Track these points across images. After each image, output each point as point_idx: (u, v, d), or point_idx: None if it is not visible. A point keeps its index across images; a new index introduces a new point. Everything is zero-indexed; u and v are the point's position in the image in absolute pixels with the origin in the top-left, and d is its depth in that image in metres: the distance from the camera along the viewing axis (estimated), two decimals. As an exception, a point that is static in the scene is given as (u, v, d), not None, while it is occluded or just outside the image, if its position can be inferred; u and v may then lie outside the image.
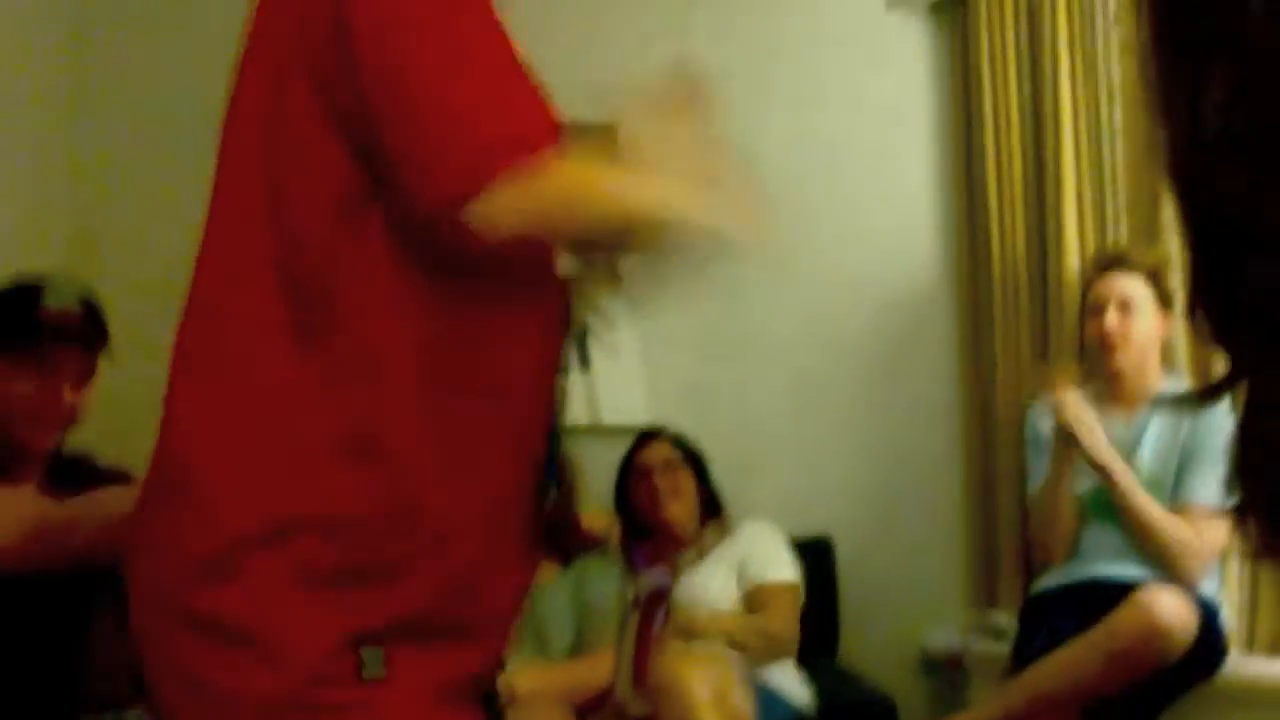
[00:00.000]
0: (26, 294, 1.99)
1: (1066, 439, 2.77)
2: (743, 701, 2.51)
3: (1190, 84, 0.55)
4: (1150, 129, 0.54)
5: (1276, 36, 0.51)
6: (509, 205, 1.08)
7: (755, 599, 2.84)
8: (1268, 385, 0.56)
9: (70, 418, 2.00)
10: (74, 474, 2.05)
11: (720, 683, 2.48)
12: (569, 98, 1.27)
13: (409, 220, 1.12)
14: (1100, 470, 2.73)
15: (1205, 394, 0.59)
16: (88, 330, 2.00)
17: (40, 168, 3.26)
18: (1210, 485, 2.72)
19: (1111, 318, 2.83)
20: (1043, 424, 2.91)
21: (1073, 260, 3.20)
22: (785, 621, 2.82)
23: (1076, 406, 2.77)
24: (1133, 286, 2.85)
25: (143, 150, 3.39)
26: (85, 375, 2.00)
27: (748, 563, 2.88)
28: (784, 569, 2.88)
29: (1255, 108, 0.52)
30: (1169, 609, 2.54)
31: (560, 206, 1.13)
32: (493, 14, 1.17)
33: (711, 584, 2.85)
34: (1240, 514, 0.59)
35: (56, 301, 1.97)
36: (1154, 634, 2.52)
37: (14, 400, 1.94)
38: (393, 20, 1.11)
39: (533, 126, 1.14)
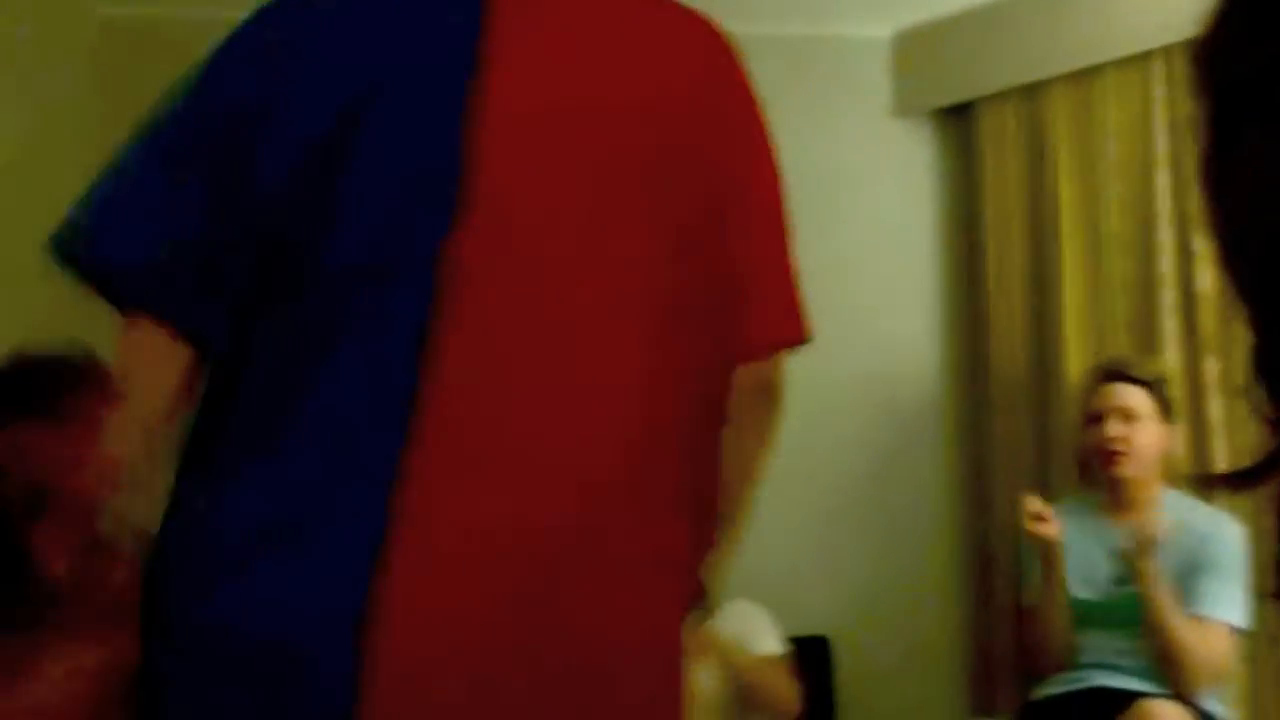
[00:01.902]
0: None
1: (1046, 551, 2.78)
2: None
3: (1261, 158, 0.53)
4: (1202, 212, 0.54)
5: None
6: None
7: (751, 670, 2.81)
8: None
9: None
10: None
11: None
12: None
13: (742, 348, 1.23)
14: (1143, 578, 2.69)
15: (1249, 474, 0.55)
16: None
17: None
18: (1219, 599, 2.72)
19: (1114, 427, 2.85)
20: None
21: (1072, 369, 3.23)
22: (783, 688, 2.79)
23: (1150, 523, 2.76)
24: (1135, 397, 2.87)
25: None
26: None
27: (734, 642, 2.85)
28: (768, 641, 2.85)
29: None
30: None
31: None
32: None
33: (698, 673, 2.82)
34: None
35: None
36: None
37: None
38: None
39: None
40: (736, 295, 1.21)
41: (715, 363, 1.21)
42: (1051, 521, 2.81)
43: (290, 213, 1.12)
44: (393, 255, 1.09)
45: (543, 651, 1.06)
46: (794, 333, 1.27)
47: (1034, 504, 2.85)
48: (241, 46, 1.18)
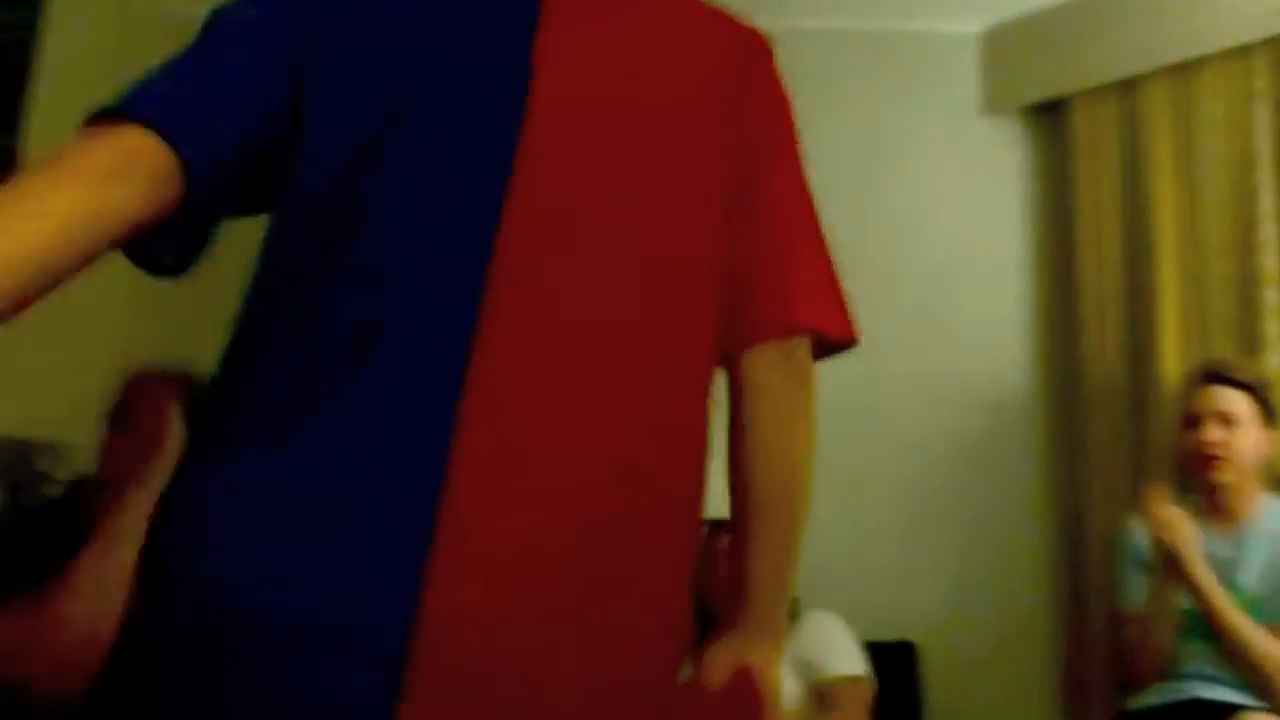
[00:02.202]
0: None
1: (1170, 557, 2.69)
2: None
3: None
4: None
5: None
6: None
7: (821, 697, 2.73)
8: None
9: None
10: None
11: None
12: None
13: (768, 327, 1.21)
14: (1194, 589, 2.65)
15: None
16: None
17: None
18: None
19: (1212, 431, 2.77)
20: (1140, 537, 2.85)
21: (1169, 372, 3.15)
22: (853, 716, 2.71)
23: (1181, 523, 2.69)
24: (1234, 400, 2.79)
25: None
26: None
27: (810, 659, 2.77)
28: (849, 662, 2.75)
29: None
30: None
31: None
32: None
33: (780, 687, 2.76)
34: None
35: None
36: None
37: None
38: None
39: None
40: (755, 283, 1.21)
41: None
42: (1182, 523, 2.70)
43: (325, 210, 1.11)
44: (440, 253, 1.08)
45: (597, 651, 1.04)
46: (823, 319, 1.23)
47: (1163, 502, 2.73)
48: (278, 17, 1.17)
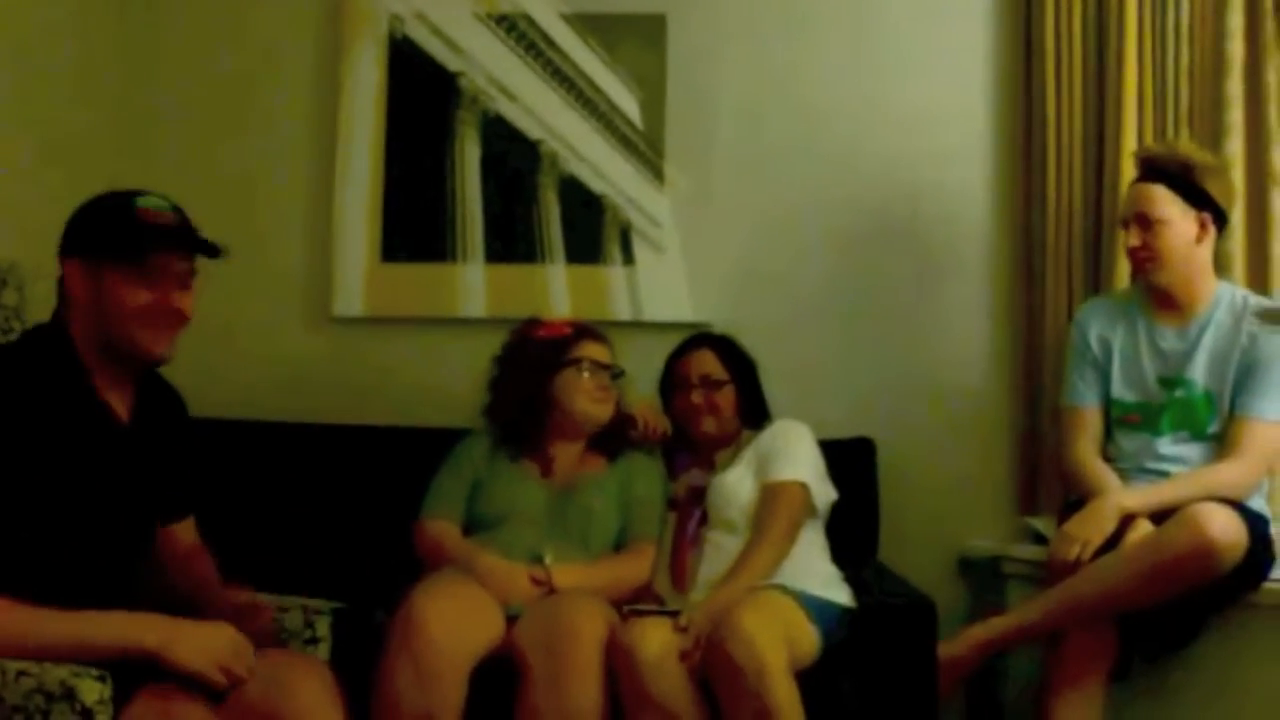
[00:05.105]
0: (120, 203, 2.02)
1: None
2: (809, 637, 2.52)
3: None
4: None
5: None
6: None
7: (763, 498, 2.77)
8: None
9: (182, 321, 2.06)
10: (157, 389, 2.17)
11: (790, 629, 2.47)
12: None
13: None
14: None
15: None
16: (185, 234, 2.05)
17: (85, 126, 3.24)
18: (1270, 399, 2.67)
19: (1133, 235, 2.75)
20: (1090, 332, 2.86)
21: (1131, 165, 3.11)
22: (776, 520, 2.69)
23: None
24: (1151, 199, 2.73)
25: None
26: (187, 278, 2.06)
27: (765, 462, 2.81)
28: (793, 469, 2.77)
29: None
30: (1220, 526, 2.49)
31: None
32: None
33: (741, 485, 2.80)
34: None
35: (150, 206, 2.03)
36: (1203, 551, 2.47)
37: (132, 310, 1.99)
38: None
39: None
40: None
41: None
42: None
43: None
44: None
45: None
46: None
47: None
48: None
